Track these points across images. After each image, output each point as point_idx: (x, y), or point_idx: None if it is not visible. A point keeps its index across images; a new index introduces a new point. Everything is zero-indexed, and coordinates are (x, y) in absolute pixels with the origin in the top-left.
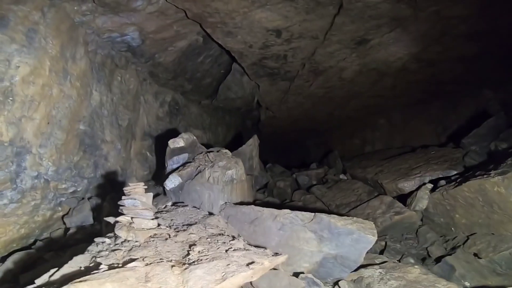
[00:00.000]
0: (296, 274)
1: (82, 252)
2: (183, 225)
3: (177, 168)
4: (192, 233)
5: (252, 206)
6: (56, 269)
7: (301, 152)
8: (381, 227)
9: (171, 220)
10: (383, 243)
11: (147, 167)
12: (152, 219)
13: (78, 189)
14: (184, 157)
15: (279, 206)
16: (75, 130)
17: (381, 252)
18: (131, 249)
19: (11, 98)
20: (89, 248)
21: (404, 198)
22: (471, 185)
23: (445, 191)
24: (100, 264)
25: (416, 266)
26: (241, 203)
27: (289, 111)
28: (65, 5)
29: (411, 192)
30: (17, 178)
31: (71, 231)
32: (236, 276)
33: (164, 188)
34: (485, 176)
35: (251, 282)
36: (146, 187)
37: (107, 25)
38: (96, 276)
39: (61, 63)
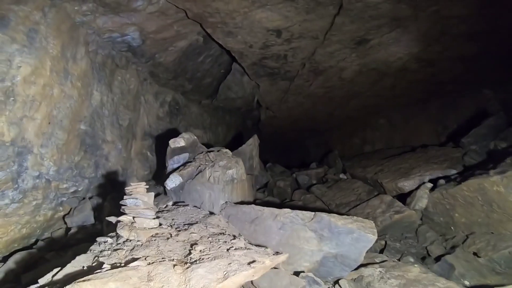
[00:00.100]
0: (296, 273)
1: (84, 251)
2: (184, 224)
3: (178, 167)
4: (193, 233)
5: (253, 205)
6: (59, 268)
7: (301, 151)
8: (381, 226)
9: (172, 219)
10: (383, 242)
11: (148, 167)
12: (154, 218)
13: (79, 189)
14: (184, 156)
15: (279, 206)
16: (76, 130)
17: (381, 251)
18: (133, 249)
19: (12, 98)
20: (92, 247)
21: (404, 198)
22: (471, 184)
23: (444, 191)
24: (102, 263)
25: (416, 265)
26: (242, 203)
27: (289, 111)
28: (65, 5)
29: (411, 192)
30: (18, 178)
31: (72, 230)
32: (238, 274)
33: (164, 187)
34: (484, 175)
35: (252, 281)
36: (147, 186)
37: (107, 25)
38: (99, 275)
39: (62, 63)
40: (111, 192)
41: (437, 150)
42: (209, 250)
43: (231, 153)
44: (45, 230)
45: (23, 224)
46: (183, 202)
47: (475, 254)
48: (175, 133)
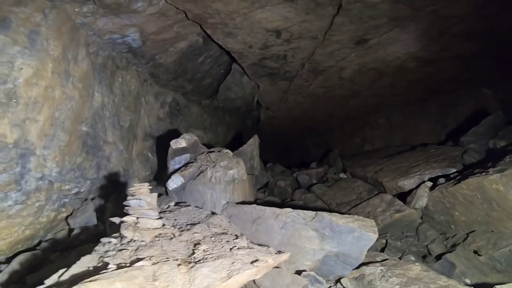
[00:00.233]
0: (298, 272)
1: (88, 252)
2: (187, 224)
3: (179, 168)
4: (196, 233)
5: (254, 205)
6: (65, 269)
7: (301, 151)
8: (382, 225)
9: (175, 220)
10: (384, 241)
11: (149, 168)
12: (157, 218)
13: (81, 190)
14: (186, 157)
15: (280, 205)
16: (78, 132)
17: (382, 250)
18: (137, 249)
19: (14, 100)
20: (96, 248)
21: (404, 196)
22: (470, 182)
23: (444, 189)
24: (108, 263)
25: (417, 264)
26: (243, 203)
27: (289, 111)
28: (66, 6)
29: (411, 190)
30: (21, 180)
31: (75, 232)
32: (241, 273)
33: (166, 188)
34: (483, 173)
35: (254, 281)
36: (151, 187)
37: (108, 26)
38: (105, 275)
39: (63, 65)
40: (113, 193)
41: (437, 149)
42: (212, 249)
43: (232, 153)
44: (48, 231)
45: (27, 226)
46: (185, 202)
47: (475, 252)
48: (175, 134)
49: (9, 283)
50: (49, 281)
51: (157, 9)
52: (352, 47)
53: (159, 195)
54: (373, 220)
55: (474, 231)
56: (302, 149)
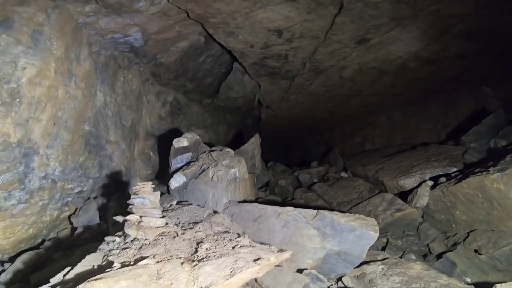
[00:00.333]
0: (300, 271)
1: (92, 251)
2: (189, 223)
3: (181, 167)
4: (199, 231)
5: (256, 204)
6: (69, 268)
7: (302, 150)
8: (383, 224)
9: (177, 218)
10: (385, 240)
11: (151, 167)
12: (160, 217)
13: (84, 189)
14: (188, 156)
15: (281, 204)
16: (81, 131)
17: (383, 249)
18: (141, 247)
19: (18, 100)
20: (100, 247)
21: (405, 195)
22: (471, 182)
23: (445, 188)
24: (112, 262)
25: (417, 262)
26: (244, 201)
27: (290, 110)
28: (68, 6)
29: (412, 189)
30: (25, 179)
31: (78, 230)
32: (244, 271)
33: (168, 187)
34: (484, 173)
35: (256, 279)
36: (153, 186)
37: (110, 26)
38: (110, 274)
39: (66, 64)
40: (115, 192)
41: (438, 148)
42: (215, 248)
43: (233, 152)
44: (51, 230)
45: (30, 225)
46: (187, 201)
47: (476, 251)
48: (177, 133)
49: (13, 282)
50: (54, 280)
51: (159, 9)
52: (353, 46)
53: (161, 194)
54: (374, 219)
55: (474, 230)
56: (303, 148)
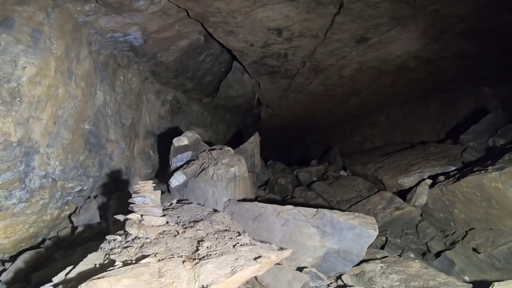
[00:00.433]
0: (300, 269)
1: (93, 250)
2: (190, 222)
3: (181, 166)
4: (200, 230)
5: (256, 202)
6: (71, 267)
7: (301, 149)
8: (382, 223)
9: (178, 217)
10: (384, 238)
11: (150, 166)
12: (161, 216)
13: (84, 188)
14: (188, 155)
15: (280, 203)
16: (81, 130)
17: (382, 247)
18: (142, 246)
19: (18, 99)
20: (102, 245)
21: (404, 194)
22: (469, 180)
23: (444, 187)
24: (114, 261)
25: (416, 261)
26: (244, 200)
27: (289, 109)
28: (68, 5)
29: (411, 188)
30: (25, 178)
31: (78, 229)
32: (245, 269)
33: (168, 186)
34: (483, 171)
35: (256, 277)
36: (154, 184)
37: (110, 25)
38: (112, 272)
39: (66, 64)
40: (115, 191)
41: (436, 147)
42: (216, 246)
43: (233, 151)
44: (52, 229)
45: (31, 224)
46: (187, 200)
47: (474, 250)
48: (176, 132)
49: (14, 281)
50: (56, 279)
51: (159, 8)
52: (353, 45)
53: (161, 193)
54: (373, 218)
55: (473, 228)
56: (302, 146)
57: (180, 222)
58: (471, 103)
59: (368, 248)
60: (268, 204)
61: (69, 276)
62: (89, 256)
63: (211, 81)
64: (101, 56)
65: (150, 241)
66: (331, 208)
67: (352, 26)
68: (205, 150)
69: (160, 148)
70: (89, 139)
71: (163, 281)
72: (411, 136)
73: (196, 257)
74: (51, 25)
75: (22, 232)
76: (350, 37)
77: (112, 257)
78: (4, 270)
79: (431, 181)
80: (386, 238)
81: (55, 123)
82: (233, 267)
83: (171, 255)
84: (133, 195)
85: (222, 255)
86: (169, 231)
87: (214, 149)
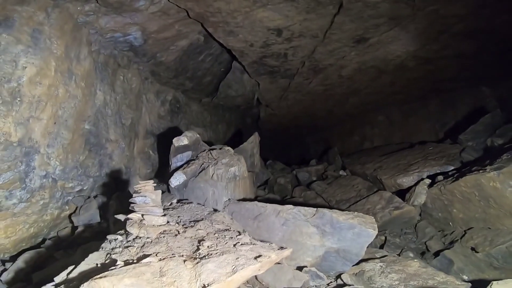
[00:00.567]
0: (299, 268)
1: (94, 249)
2: (190, 221)
3: (181, 165)
4: (200, 229)
5: (255, 202)
6: (73, 266)
7: (301, 148)
8: (381, 222)
9: (178, 216)
10: (383, 237)
11: (150, 165)
12: (162, 215)
13: (84, 188)
14: (187, 155)
15: (280, 202)
16: (81, 130)
17: (381, 247)
18: (143, 245)
19: (19, 99)
20: (103, 245)
21: (403, 194)
22: (468, 180)
23: (442, 186)
24: (115, 260)
25: (415, 260)
26: (244, 200)
27: (289, 108)
28: (68, 5)
29: (410, 188)
30: (26, 178)
31: (78, 229)
32: (246, 268)
33: (168, 185)
34: (481, 171)
35: (256, 276)
36: (155, 184)
37: (110, 25)
38: (114, 272)
39: (66, 64)
40: (115, 191)
41: (435, 147)
42: (217, 245)
43: (233, 150)
44: (52, 229)
45: (31, 224)
46: (187, 199)
47: (473, 249)
48: (176, 132)
49: (15, 281)
50: (58, 279)
51: (159, 8)
52: (352, 45)
53: (161, 193)
54: (373, 217)
55: (471, 228)
56: (301, 146)
57: (180, 221)
58: (470, 103)
59: (367, 247)
60: (268, 204)
61: (71, 275)
62: (90, 255)
63: (210, 81)
64: (101, 56)
65: (151, 241)
66: (331, 207)
67: (352, 26)
68: (205, 150)
69: (159, 148)
70: (89, 139)
71: (165, 280)
72: (410, 136)
73: (197, 256)
74: (51, 25)
75: (23, 232)
76: (349, 37)
77: (113, 256)
78: (5, 270)
79: (430, 180)
80: (385, 237)
81: (55, 123)
82: (234, 266)
83: (172, 254)
84: (134, 195)
85: (222, 254)
86: (170, 230)
87: (214, 149)
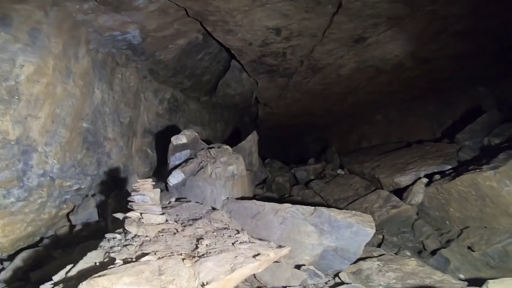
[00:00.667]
0: (298, 267)
1: (92, 248)
2: (189, 220)
3: (180, 164)
4: (199, 228)
5: (254, 201)
6: (71, 265)
7: (299, 147)
8: (378, 221)
9: (177, 215)
10: (381, 236)
11: (148, 164)
12: (161, 214)
13: (82, 186)
14: (186, 153)
15: (278, 201)
16: (79, 128)
17: (379, 246)
18: (142, 244)
19: (16, 97)
20: (101, 244)
21: (400, 192)
22: (465, 179)
23: (439, 185)
24: (114, 259)
25: (412, 259)
26: (242, 198)
27: (287, 107)
28: (67, 4)
29: (407, 187)
30: (24, 176)
31: (76, 228)
32: (244, 267)
33: (166, 184)
34: (478, 170)
35: (254, 275)
36: (154, 183)
37: (108, 23)
38: (113, 270)
39: (64, 62)
40: (113, 190)
41: (433, 146)
42: (215, 244)
43: (231, 149)
44: (50, 228)
45: (29, 222)
46: (185, 198)
47: (469, 248)
48: (174, 130)
49: (13, 280)
50: (56, 277)
51: (158, 6)
52: (350, 45)
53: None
54: (370, 216)
55: (468, 227)
56: (300, 145)
57: (179, 220)
58: (467, 103)
59: (365, 246)
60: (266, 202)
61: (69, 274)
62: (89, 254)
63: (209, 80)
64: (99, 54)
65: (150, 239)
66: (329, 206)
67: (350, 26)
68: (203, 149)
69: (158, 147)
70: (87, 138)
71: (164, 278)
72: (408, 135)
73: (196, 254)
74: (50, 24)
75: (20, 231)
76: (348, 36)
77: (112, 255)
78: (3, 269)
79: (427, 179)
80: (383, 236)
81: (53, 121)
82: (232, 265)
83: (171, 253)
84: (132, 193)
85: (221, 253)
86: (169, 229)
87: (213, 147)
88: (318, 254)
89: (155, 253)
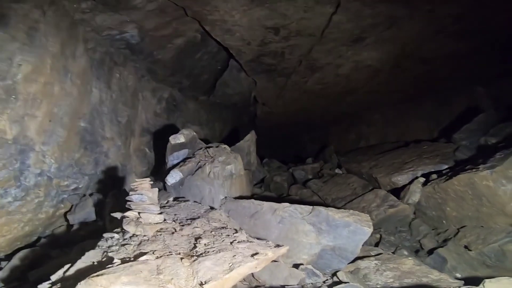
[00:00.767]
0: (296, 266)
1: (90, 248)
2: (187, 219)
3: (178, 163)
4: (197, 227)
5: (252, 200)
6: (69, 264)
7: (297, 147)
8: (376, 220)
9: (175, 214)
10: (378, 236)
11: (146, 163)
12: (159, 213)
13: (80, 186)
14: (184, 152)
15: (276, 200)
16: (76, 127)
17: (376, 245)
18: (140, 243)
19: (14, 96)
20: (99, 243)
21: (397, 192)
22: (461, 179)
23: (436, 185)
24: (112, 258)
25: (409, 258)
26: (240, 197)
27: (285, 107)
28: (64, 3)
29: (404, 186)
30: (21, 176)
31: (74, 227)
32: (243, 266)
33: (164, 183)
34: (474, 170)
35: (252, 274)
36: (152, 182)
37: (106, 23)
38: (111, 270)
39: (61, 61)
40: (111, 189)
41: (430, 146)
42: (213, 243)
43: (229, 148)
44: (47, 227)
45: (26, 222)
46: (184, 197)
47: (466, 247)
48: (172, 130)
49: (11, 280)
50: (54, 277)
51: (156, 6)
52: (349, 45)
53: (158, 191)
54: (368, 215)
55: (464, 226)
56: (298, 144)
57: (177, 219)
58: (465, 102)
59: (362, 245)
60: (265, 202)
61: (67, 274)
62: (86, 254)
63: (207, 79)
64: (97, 53)
65: (148, 239)
66: (327, 205)
67: (349, 26)
68: (201, 148)
69: (156, 146)
70: (84, 137)
71: (162, 278)
72: (405, 134)
73: (194, 254)
74: (47, 23)
75: (18, 231)
76: (346, 36)
77: (110, 254)
78: (0, 269)
79: (424, 179)
80: (380, 235)
81: (50, 120)
82: (231, 264)
83: (169, 252)
84: (130, 193)
85: (219, 252)
86: (167, 228)
87: (211, 147)
88: (316, 253)
89: (153, 253)
